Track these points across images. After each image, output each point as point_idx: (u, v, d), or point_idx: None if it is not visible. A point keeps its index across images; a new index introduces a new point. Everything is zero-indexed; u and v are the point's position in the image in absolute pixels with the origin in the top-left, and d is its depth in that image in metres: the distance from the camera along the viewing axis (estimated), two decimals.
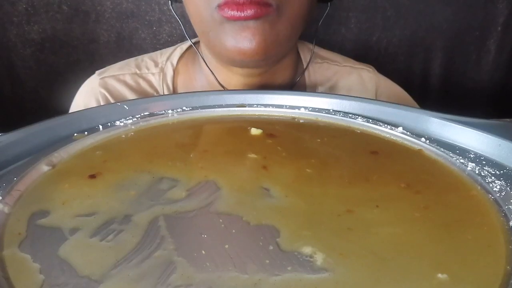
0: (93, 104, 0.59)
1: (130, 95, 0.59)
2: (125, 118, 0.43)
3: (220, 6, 0.47)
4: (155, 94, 0.60)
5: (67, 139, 0.39)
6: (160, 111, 0.45)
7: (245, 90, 0.53)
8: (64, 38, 0.77)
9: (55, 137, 0.39)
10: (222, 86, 0.57)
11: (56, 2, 0.75)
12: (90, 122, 0.42)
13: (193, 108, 0.46)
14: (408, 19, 0.80)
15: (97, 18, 0.77)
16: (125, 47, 0.79)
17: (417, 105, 0.63)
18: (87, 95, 0.61)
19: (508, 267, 0.24)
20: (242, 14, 0.46)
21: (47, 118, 0.40)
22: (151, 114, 0.44)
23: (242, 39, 0.47)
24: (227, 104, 0.47)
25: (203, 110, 0.46)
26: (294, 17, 0.49)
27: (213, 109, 0.46)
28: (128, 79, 0.60)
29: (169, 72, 0.60)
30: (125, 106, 0.44)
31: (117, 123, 0.42)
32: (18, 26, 0.75)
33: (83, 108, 0.58)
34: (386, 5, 0.79)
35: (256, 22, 0.47)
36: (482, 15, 0.80)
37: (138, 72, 0.61)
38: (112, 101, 0.59)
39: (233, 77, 0.56)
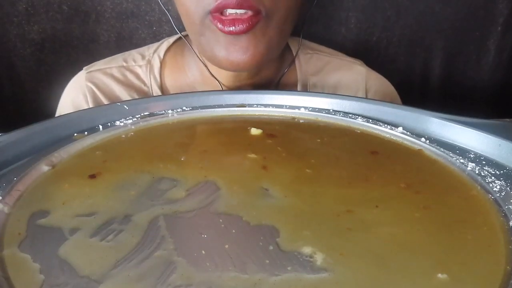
0: (81, 99, 0.59)
1: (117, 88, 0.59)
2: (125, 118, 0.43)
3: (211, 13, 0.46)
4: (143, 86, 0.60)
5: (67, 139, 0.39)
6: (160, 111, 0.45)
7: (245, 90, 0.53)
8: (64, 38, 0.77)
9: (55, 137, 0.39)
10: (214, 77, 0.57)
11: (56, 2, 0.75)
12: (90, 122, 0.42)
13: (193, 108, 0.46)
14: (408, 19, 0.80)
15: (97, 18, 0.77)
16: (125, 47, 0.79)
17: (400, 103, 0.63)
18: (75, 90, 0.60)
19: (508, 267, 0.24)
20: (235, 29, 0.46)
21: (47, 118, 0.40)
22: (151, 114, 0.44)
23: (235, 52, 0.48)
24: (227, 104, 0.47)
25: (203, 110, 0.46)
26: (282, 21, 0.49)
27: (213, 109, 0.46)
28: (115, 72, 0.60)
29: (156, 64, 0.60)
30: (125, 106, 0.44)
31: (117, 123, 0.42)
32: (18, 26, 0.75)
33: (71, 104, 0.58)
34: (386, 5, 0.79)
35: (248, 34, 0.47)
36: (482, 15, 0.80)
37: (125, 65, 0.61)
38: (99, 95, 0.58)
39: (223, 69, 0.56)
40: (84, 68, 0.61)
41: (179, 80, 0.61)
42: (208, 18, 0.47)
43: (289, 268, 0.24)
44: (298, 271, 0.24)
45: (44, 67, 0.78)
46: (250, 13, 0.46)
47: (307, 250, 0.26)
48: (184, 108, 0.46)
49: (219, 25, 0.46)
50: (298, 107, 0.46)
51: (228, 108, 0.47)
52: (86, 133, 0.40)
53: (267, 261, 0.25)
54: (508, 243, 0.26)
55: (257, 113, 0.46)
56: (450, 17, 0.79)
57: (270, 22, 0.48)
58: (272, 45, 0.50)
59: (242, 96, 0.48)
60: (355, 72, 0.63)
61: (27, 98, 0.80)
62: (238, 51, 0.48)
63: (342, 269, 0.24)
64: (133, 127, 0.42)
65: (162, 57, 0.61)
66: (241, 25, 0.46)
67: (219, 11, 0.46)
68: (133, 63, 0.61)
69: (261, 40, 0.48)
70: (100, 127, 0.41)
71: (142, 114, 0.44)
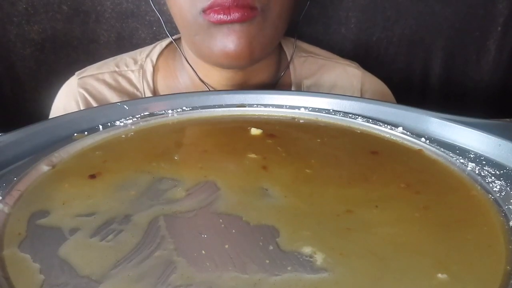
0: (73, 105, 0.58)
1: (109, 94, 0.59)
2: (125, 118, 0.43)
3: (205, 11, 0.46)
4: (135, 91, 0.59)
5: (67, 139, 0.39)
6: (160, 111, 0.45)
7: (245, 90, 0.53)
8: (64, 38, 0.77)
9: (55, 137, 0.39)
10: (204, 83, 0.57)
11: (56, 2, 0.75)
12: (90, 122, 0.42)
13: (193, 108, 0.46)
14: (408, 19, 0.80)
15: (97, 18, 0.77)
16: (125, 47, 0.79)
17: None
18: (66, 96, 0.60)
19: (508, 267, 0.24)
20: (229, 18, 0.45)
21: (47, 118, 0.40)
22: (151, 114, 0.44)
23: (229, 42, 0.47)
24: (227, 104, 0.47)
25: (203, 110, 0.46)
26: (277, 19, 0.49)
27: (213, 109, 0.46)
28: (107, 77, 0.59)
29: (149, 69, 0.60)
30: (125, 106, 0.44)
31: (117, 123, 0.42)
32: (18, 26, 0.75)
33: (63, 111, 0.57)
34: (386, 5, 0.79)
35: (242, 25, 0.47)
36: (482, 15, 0.80)
37: (117, 70, 0.60)
38: (91, 101, 0.58)
39: (215, 73, 0.56)
40: (76, 73, 0.60)
41: (171, 85, 0.60)
42: (202, 17, 0.47)
43: (289, 268, 0.24)
44: (298, 271, 0.24)
45: (44, 67, 0.79)
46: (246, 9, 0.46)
47: (307, 250, 0.26)
48: (184, 108, 0.46)
49: (215, 16, 0.46)
50: (298, 107, 0.46)
51: (228, 108, 0.47)
52: (86, 133, 0.40)
53: (267, 261, 0.25)
54: (508, 243, 0.26)
55: (257, 113, 0.46)
56: (450, 17, 0.80)
57: (266, 18, 0.48)
58: (266, 41, 0.50)
59: (242, 96, 0.48)
60: (350, 75, 0.62)
61: (27, 98, 0.80)
62: (232, 42, 0.47)
63: (342, 269, 0.24)
64: (133, 127, 0.42)
65: (154, 61, 0.60)
66: (236, 13, 0.45)
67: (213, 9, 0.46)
68: (126, 68, 0.60)
69: (255, 35, 0.48)
70: (100, 127, 0.41)
71: (142, 114, 0.44)
